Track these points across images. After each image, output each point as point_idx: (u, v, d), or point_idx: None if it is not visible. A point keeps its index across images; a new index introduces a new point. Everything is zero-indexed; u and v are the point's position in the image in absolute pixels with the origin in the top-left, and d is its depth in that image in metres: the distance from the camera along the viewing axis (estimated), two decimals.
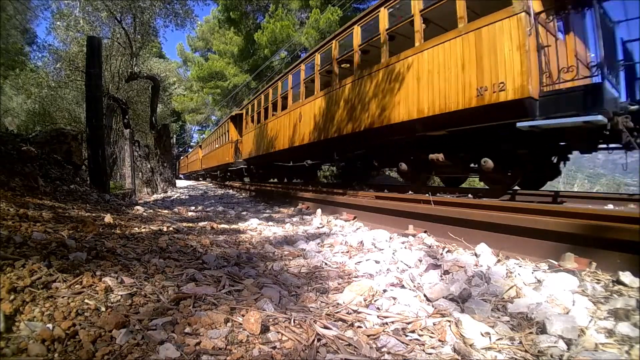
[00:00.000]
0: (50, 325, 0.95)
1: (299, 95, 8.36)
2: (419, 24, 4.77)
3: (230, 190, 11.48)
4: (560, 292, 1.41)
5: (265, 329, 1.08)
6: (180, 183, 18.23)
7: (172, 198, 7.84)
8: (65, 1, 9.10)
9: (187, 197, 8.40)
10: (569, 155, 4.52)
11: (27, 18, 12.64)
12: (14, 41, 14.89)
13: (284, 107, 9.20)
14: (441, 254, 2.14)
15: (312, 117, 7.55)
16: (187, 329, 1.05)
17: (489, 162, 4.16)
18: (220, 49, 24.60)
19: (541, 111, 3.51)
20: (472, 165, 4.76)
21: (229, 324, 1.10)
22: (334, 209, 4.26)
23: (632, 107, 3.35)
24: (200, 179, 26.34)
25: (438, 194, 4.36)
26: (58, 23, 9.22)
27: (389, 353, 1.04)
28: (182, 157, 37.96)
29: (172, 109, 24.35)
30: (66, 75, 10.82)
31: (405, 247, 2.30)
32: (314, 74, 7.46)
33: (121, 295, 1.22)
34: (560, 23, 4.16)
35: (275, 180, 12.63)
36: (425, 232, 2.67)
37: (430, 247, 2.33)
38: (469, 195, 4.56)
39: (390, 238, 2.61)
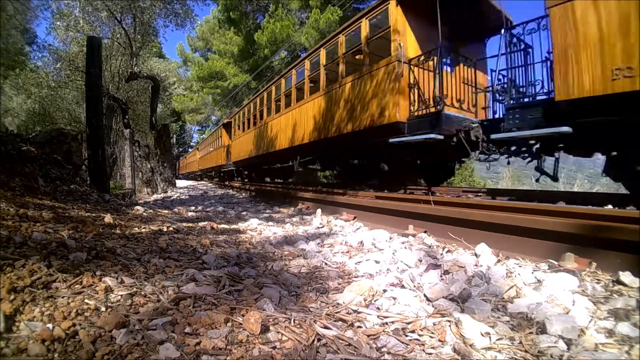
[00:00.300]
0: (50, 325, 0.95)
1: (270, 110, 10.16)
2: (342, 64, 6.40)
3: (230, 190, 11.48)
4: (560, 292, 1.41)
5: (265, 329, 1.08)
6: (180, 183, 18.26)
7: (172, 198, 7.84)
8: (65, 1, 9.10)
9: (187, 197, 8.40)
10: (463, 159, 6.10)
11: (27, 18, 12.64)
12: (14, 41, 14.90)
13: (261, 117, 11.00)
14: (441, 254, 2.14)
15: (279, 130, 9.29)
16: (187, 329, 1.05)
17: (385, 166, 5.65)
18: (220, 49, 24.60)
19: (409, 130, 4.89)
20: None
21: (229, 324, 1.10)
22: (334, 209, 4.26)
23: (474, 125, 4.47)
24: (198, 178, 26.72)
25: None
26: (58, 23, 9.21)
27: (389, 353, 1.04)
28: (181, 158, 38.04)
29: (172, 109, 24.34)
30: (66, 75, 10.82)
31: (405, 247, 2.30)
32: (280, 96, 9.33)
33: (121, 295, 1.22)
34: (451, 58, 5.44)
35: (248, 179, 14.11)
36: (425, 232, 2.67)
37: (430, 247, 2.33)
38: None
39: (390, 238, 2.61)
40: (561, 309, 1.30)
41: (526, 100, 3.98)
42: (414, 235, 2.63)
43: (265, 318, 1.15)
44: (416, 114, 4.91)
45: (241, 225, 3.42)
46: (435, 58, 4.68)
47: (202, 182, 23.04)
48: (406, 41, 5.06)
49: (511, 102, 4.05)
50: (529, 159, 4.13)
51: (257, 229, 3.25)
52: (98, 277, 1.32)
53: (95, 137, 5.11)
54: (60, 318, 1.00)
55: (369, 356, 1.00)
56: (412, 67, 4.97)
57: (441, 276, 1.69)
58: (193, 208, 5.13)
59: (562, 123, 3.37)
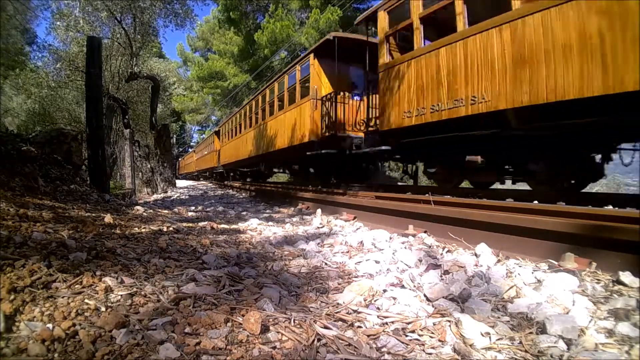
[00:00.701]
0: (50, 325, 0.95)
1: (245, 125, 13.09)
2: (286, 97, 8.89)
3: (230, 190, 11.48)
4: (560, 292, 1.41)
5: (265, 329, 1.08)
6: (179, 183, 18.30)
7: (172, 198, 7.84)
8: (65, 1, 9.11)
9: (187, 197, 8.40)
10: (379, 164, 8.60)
11: (27, 18, 12.65)
12: (14, 41, 14.91)
13: (240, 130, 13.81)
14: (441, 254, 2.14)
15: (250, 140, 11.97)
16: (187, 329, 1.05)
17: (312, 170, 8.86)
18: (220, 49, 24.61)
19: (321, 147, 7.05)
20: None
21: (229, 324, 1.10)
22: (334, 209, 4.26)
23: (360, 142, 6.45)
24: (196, 179, 27.68)
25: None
26: (58, 23, 9.22)
27: (389, 353, 1.04)
28: (180, 159, 38.11)
29: (172, 109, 24.35)
30: (66, 75, 10.82)
31: (405, 247, 2.30)
32: (252, 114, 12.11)
33: (121, 295, 1.22)
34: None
35: (232, 179, 16.90)
36: (425, 232, 2.67)
37: (430, 247, 2.33)
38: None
39: (390, 238, 2.61)
40: (561, 309, 1.30)
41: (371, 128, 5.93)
42: (414, 235, 2.63)
43: (265, 318, 1.15)
44: (324, 134, 7.17)
45: (241, 225, 3.42)
46: (336, 96, 6.92)
47: (202, 182, 23.18)
48: (321, 83, 7.41)
49: (368, 128, 6.00)
50: (402, 164, 6.28)
51: (257, 229, 3.25)
52: (98, 277, 1.32)
53: (95, 137, 5.11)
54: (60, 318, 1.00)
55: (369, 356, 1.00)
56: (324, 102, 7.20)
57: (441, 276, 1.69)
58: (193, 208, 5.13)
59: (386, 144, 5.36)
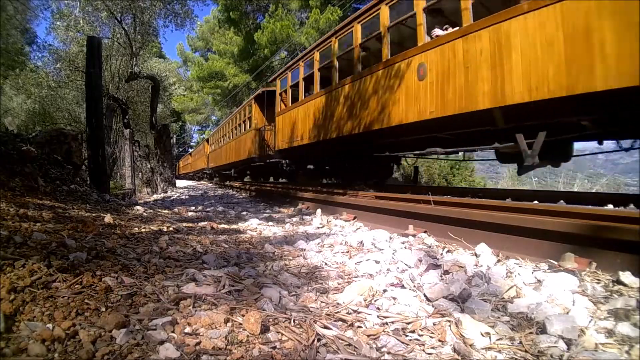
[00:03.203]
0: (50, 325, 0.95)
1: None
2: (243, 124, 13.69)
3: (230, 190, 11.48)
4: (560, 292, 1.41)
5: (265, 329, 1.08)
6: (179, 183, 18.30)
7: (172, 198, 7.84)
8: (65, 1, 9.12)
9: (187, 197, 8.40)
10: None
11: (27, 18, 12.68)
12: (14, 41, 14.90)
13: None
14: (441, 254, 2.14)
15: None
16: (187, 329, 1.05)
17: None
18: (220, 49, 24.59)
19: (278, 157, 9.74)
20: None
21: (229, 324, 1.10)
22: (333, 209, 4.26)
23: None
24: (206, 178, 24.61)
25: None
26: (58, 23, 9.25)
27: (389, 353, 1.04)
28: (182, 158, 38.16)
29: (172, 109, 24.38)
30: (66, 75, 10.84)
31: (405, 247, 2.30)
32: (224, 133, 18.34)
33: (121, 295, 1.22)
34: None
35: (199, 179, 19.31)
36: (425, 232, 2.67)
37: (430, 247, 2.33)
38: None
39: (390, 238, 2.61)
40: (561, 309, 1.30)
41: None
42: (414, 235, 2.62)
43: (265, 318, 1.15)
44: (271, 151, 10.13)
45: (241, 225, 3.41)
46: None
47: (202, 182, 23.14)
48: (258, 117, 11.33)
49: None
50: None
51: (257, 229, 3.25)
52: (98, 277, 1.32)
53: (95, 137, 5.11)
54: (60, 318, 1.00)
55: (369, 356, 1.00)
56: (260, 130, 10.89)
57: (441, 276, 1.69)
58: (193, 208, 5.13)
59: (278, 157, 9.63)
